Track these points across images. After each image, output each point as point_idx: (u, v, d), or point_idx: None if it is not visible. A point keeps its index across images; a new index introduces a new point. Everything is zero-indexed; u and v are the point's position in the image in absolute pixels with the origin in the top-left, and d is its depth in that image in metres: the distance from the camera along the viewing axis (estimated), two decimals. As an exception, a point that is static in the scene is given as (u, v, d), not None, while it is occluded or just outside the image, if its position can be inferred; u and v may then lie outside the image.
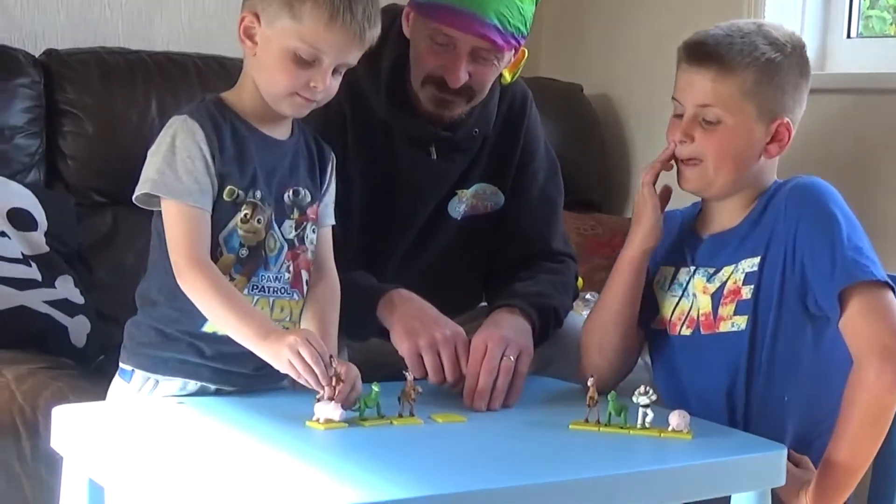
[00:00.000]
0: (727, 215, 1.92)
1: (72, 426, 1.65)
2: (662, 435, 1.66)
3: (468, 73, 2.00)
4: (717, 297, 1.88)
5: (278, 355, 1.65)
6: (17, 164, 2.73)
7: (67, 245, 2.64)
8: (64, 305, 2.53)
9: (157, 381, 1.79)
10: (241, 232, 1.75)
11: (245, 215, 1.75)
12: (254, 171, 1.76)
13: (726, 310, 1.87)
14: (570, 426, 1.70)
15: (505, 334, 1.90)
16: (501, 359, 1.85)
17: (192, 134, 1.72)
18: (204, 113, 1.75)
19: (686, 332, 1.91)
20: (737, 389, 1.86)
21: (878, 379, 1.72)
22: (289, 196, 1.81)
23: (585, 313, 2.85)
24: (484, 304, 2.20)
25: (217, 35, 3.13)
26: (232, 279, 1.75)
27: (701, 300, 1.89)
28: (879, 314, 1.75)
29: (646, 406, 1.68)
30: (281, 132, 1.82)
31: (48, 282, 2.54)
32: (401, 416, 1.68)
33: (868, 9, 3.17)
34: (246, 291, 1.76)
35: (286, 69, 1.73)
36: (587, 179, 3.47)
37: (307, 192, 1.83)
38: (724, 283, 1.88)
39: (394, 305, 1.94)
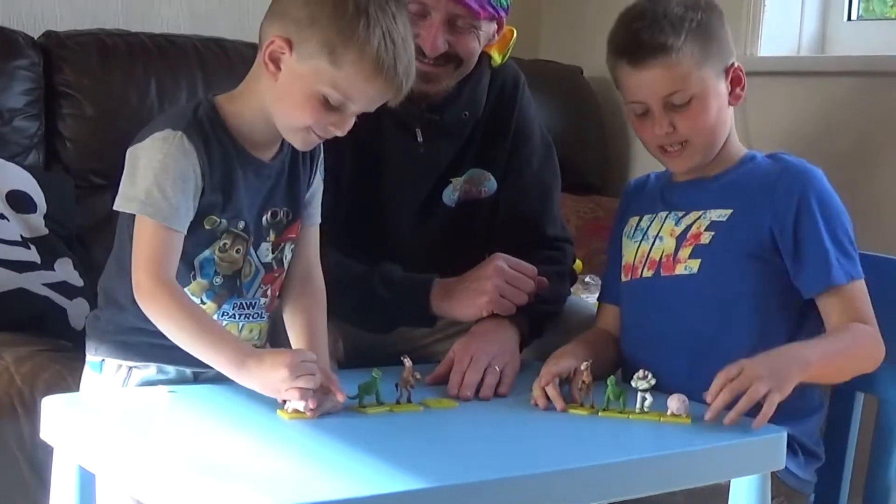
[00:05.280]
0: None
1: (61, 416, 1.64)
2: (661, 419, 1.66)
3: (447, 42, 1.98)
4: (680, 240, 1.91)
5: (267, 390, 1.59)
6: (15, 147, 2.72)
7: (66, 227, 2.64)
8: (63, 288, 2.53)
9: (130, 369, 1.74)
10: (216, 260, 1.70)
11: (224, 244, 1.70)
12: (239, 200, 1.69)
13: (684, 252, 1.90)
14: (569, 411, 1.70)
15: (489, 348, 1.89)
16: (486, 369, 1.85)
17: (187, 155, 1.63)
18: (199, 131, 1.66)
19: (647, 273, 1.93)
20: (685, 333, 1.88)
21: (873, 334, 1.83)
22: (266, 219, 1.74)
23: (585, 296, 2.87)
24: None
25: (216, 17, 3.12)
26: (202, 303, 1.71)
27: (667, 242, 1.92)
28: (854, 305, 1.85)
29: (644, 390, 1.68)
30: (269, 152, 1.74)
31: (47, 264, 2.53)
32: (398, 402, 1.68)
33: (869, -9, 3.16)
34: (216, 317, 1.72)
35: (310, 110, 1.64)
36: (587, 162, 3.47)
37: (286, 212, 1.77)
38: (689, 227, 1.91)
39: (446, 291, 1.98)
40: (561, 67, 3.53)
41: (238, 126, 1.71)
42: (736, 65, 1.93)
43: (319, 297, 1.82)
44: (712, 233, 1.89)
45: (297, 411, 1.59)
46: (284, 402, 1.60)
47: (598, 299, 2.11)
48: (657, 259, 1.92)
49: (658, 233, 1.95)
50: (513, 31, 2.12)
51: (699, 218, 1.91)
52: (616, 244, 2.05)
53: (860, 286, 1.85)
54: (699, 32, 1.88)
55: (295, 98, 1.65)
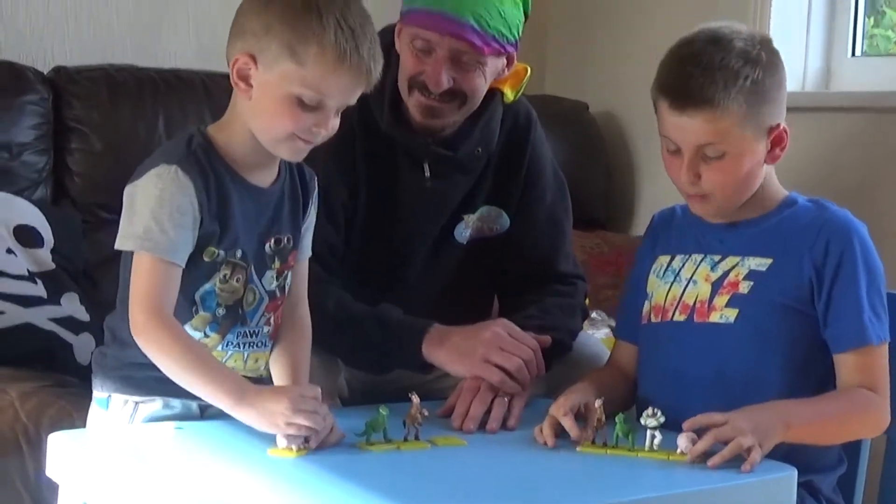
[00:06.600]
0: (738, 208, 1.90)
1: (67, 452, 1.63)
2: (671, 458, 1.65)
3: (452, 78, 1.98)
4: (716, 287, 1.88)
5: (266, 424, 1.59)
6: (24, 181, 2.73)
7: (73, 262, 2.64)
8: (69, 323, 2.53)
9: (137, 404, 1.73)
10: (218, 291, 1.70)
11: (224, 275, 1.70)
12: (236, 229, 1.69)
13: (720, 300, 1.87)
14: (578, 448, 1.70)
15: (498, 377, 1.89)
16: (494, 399, 1.85)
17: (183, 188, 1.64)
18: (194, 163, 1.66)
19: (679, 318, 1.90)
20: (719, 380, 1.85)
21: (877, 403, 1.81)
22: (270, 246, 1.74)
23: (591, 332, 2.87)
24: None
25: (225, 52, 3.13)
26: (206, 336, 1.71)
27: (702, 287, 1.89)
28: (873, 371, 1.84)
29: (654, 428, 1.68)
30: (267, 178, 1.75)
31: (54, 299, 2.54)
32: (406, 439, 1.67)
33: (872, 27, 3.17)
34: (220, 348, 1.72)
35: (288, 114, 1.65)
36: (592, 197, 3.47)
37: (289, 239, 1.77)
38: (726, 273, 1.88)
39: (440, 340, 1.95)
40: (567, 103, 3.54)
41: (231, 153, 1.71)
42: (782, 126, 1.86)
43: (305, 332, 1.83)
44: (751, 283, 1.85)
45: (287, 448, 1.58)
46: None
47: (616, 335, 2.08)
48: (690, 304, 1.89)
49: (692, 276, 1.90)
50: (527, 69, 2.12)
51: (737, 265, 1.87)
52: (639, 280, 2.00)
53: (883, 350, 1.84)
54: (751, 92, 1.80)
55: (271, 107, 1.66)
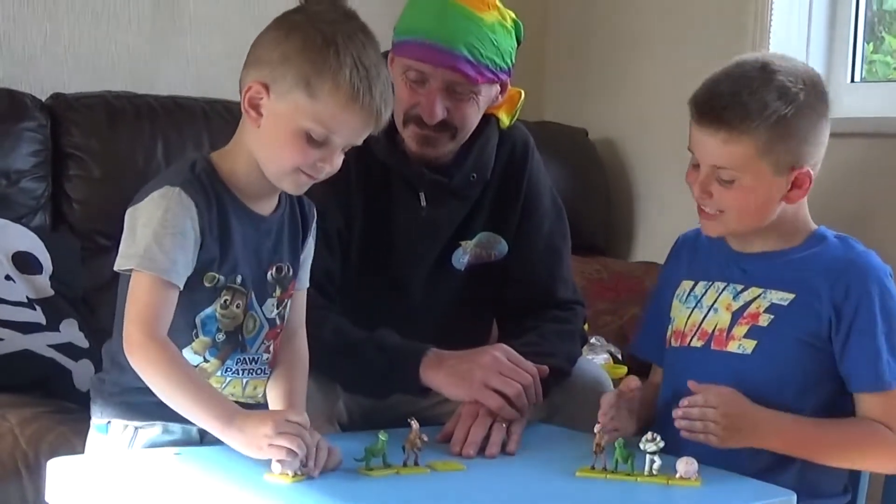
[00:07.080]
0: (763, 238, 1.91)
1: (66, 479, 1.63)
2: (670, 482, 1.65)
3: (446, 109, 1.99)
4: (736, 316, 1.88)
5: (251, 447, 1.59)
6: (22, 208, 2.73)
7: (72, 289, 2.64)
8: (68, 349, 2.52)
9: (136, 429, 1.73)
10: (219, 317, 1.70)
11: (225, 301, 1.70)
12: (236, 255, 1.70)
13: (739, 330, 1.87)
14: (577, 473, 1.69)
15: (497, 403, 1.89)
16: (493, 425, 1.85)
17: (186, 210, 1.65)
18: (198, 186, 1.67)
19: (697, 343, 1.91)
20: None
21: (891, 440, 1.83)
22: (272, 274, 1.75)
23: (591, 357, 2.86)
24: None
25: (223, 79, 3.13)
26: (206, 361, 1.71)
27: (722, 316, 1.89)
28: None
29: (653, 453, 1.67)
30: (268, 206, 1.76)
31: (52, 325, 2.53)
32: (405, 464, 1.67)
33: (871, 53, 3.19)
34: (219, 373, 1.72)
35: (297, 148, 1.66)
36: (592, 223, 3.48)
37: (289, 268, 1.78)
38: (747, 304, 1.88)
39: (438, 363, 1.94)
40: (566, 129, 3.55)
41: (234, 181, 1.72)
42: (805, 169, 1.84)
43: (302, 360, 1.83)
44: (772, 316, 1.85)
45: (283, 473, 1.58)
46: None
47: (652, 360, 2.08)
48: (709, 331, 1.90)
49: (713, 303, 1.91)
50: (521, 93, 2.13)
51: (759, 297, 1.88)
52: (661, 302, 2.01)
53: None
54: (777, 127, 1.79)
55: (279, 139, 1.66)
